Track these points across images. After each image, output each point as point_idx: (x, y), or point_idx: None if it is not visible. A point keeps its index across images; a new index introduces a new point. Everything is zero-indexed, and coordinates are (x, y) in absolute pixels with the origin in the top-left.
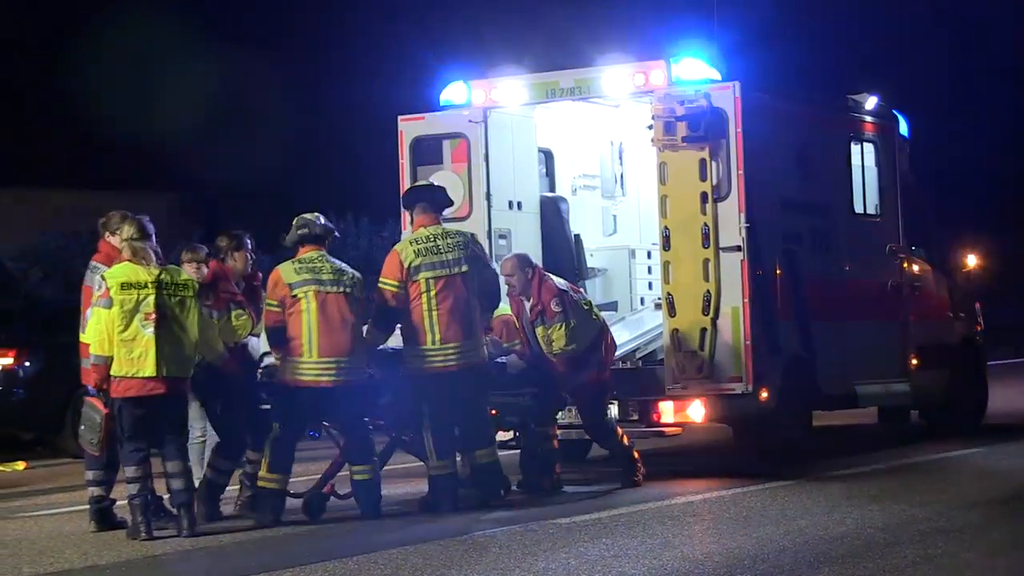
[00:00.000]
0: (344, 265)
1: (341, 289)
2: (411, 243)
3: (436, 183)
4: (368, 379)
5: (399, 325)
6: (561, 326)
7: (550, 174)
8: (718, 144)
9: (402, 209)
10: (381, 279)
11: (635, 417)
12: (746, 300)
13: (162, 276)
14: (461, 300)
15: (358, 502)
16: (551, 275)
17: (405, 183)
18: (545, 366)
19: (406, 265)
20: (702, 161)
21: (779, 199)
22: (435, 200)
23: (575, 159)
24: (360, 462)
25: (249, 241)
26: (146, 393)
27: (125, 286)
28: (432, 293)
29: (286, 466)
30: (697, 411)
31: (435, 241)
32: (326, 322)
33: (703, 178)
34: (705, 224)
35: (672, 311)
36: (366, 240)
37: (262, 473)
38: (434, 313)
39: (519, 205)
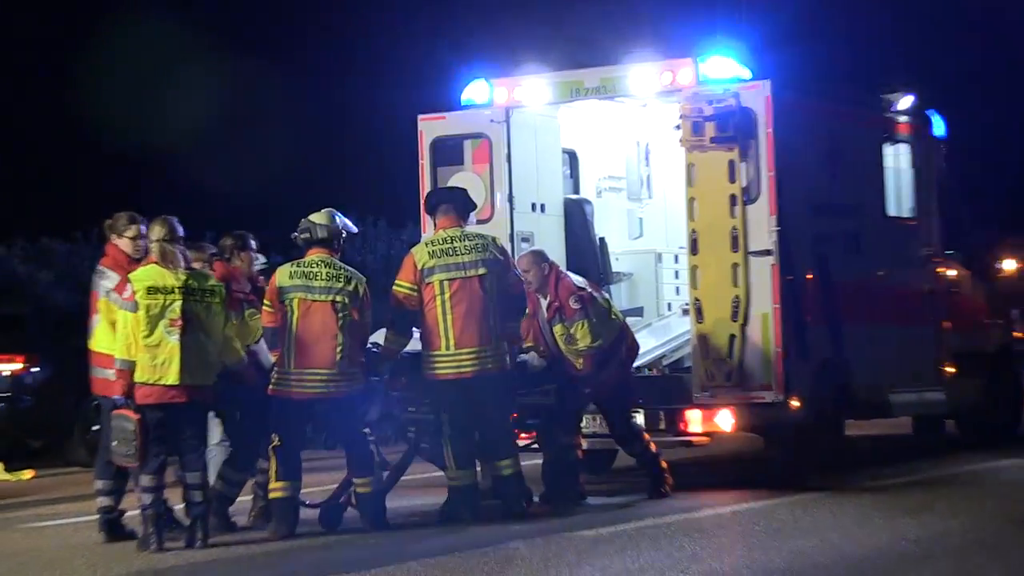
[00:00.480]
0: (350, 271)
1: (330, 297)
2: (427, 245)
3: (457, 185)
4: (365, 389)
5: (417, 329)
6: (584, 323)
7: (574, 176)
8: (748, 145)
9: (423, 212)
10: (396, 281)
11: (662, 426)
12: (776, 305)
13: (189, 282)
14: (477, 304)
15: (362, 516)
16: (569, 272)
17: (425, 185)
18: (563, 366)
19: (419, 266)
20: (731, 162)
21: (810, 201)
22: (458, 203)
23: (600, 160)
24: (361, 474)
25: (253, 242)
26: (167, 400)
27: (152, 290)
28: (446, 296)
29: (293, 473)
30: (726, 420)
31: (452, 243)
32: (306, 332)
33: (732, 180)
34: (734, 227)
35: (700, 317)
36: (384, 243)
37: (271, 484)
38: (448, 316)
39: (542, 207)
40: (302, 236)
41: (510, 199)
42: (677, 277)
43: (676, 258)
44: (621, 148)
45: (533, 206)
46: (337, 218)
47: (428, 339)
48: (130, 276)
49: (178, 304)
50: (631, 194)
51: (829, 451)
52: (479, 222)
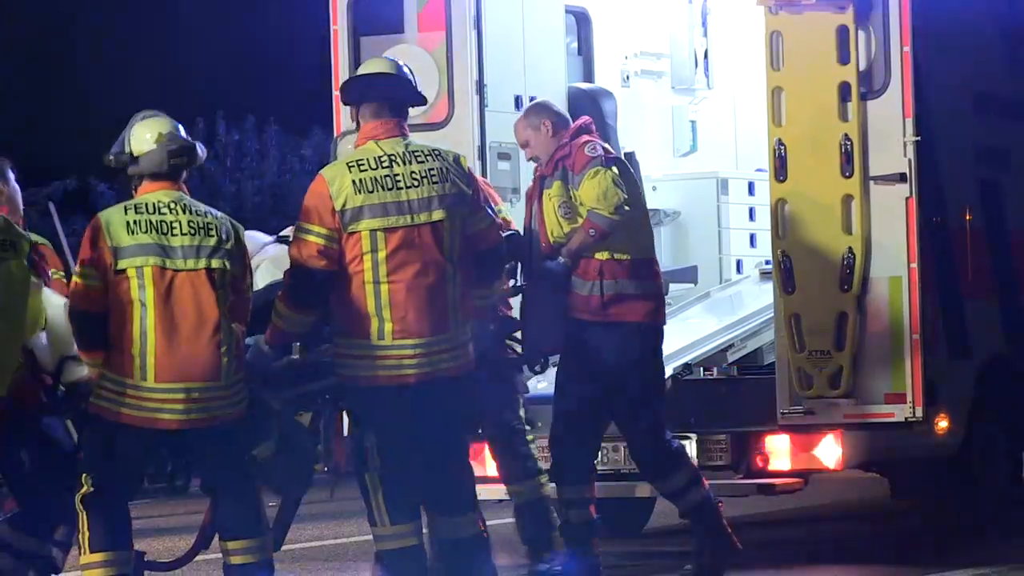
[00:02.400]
0: (214, 214)
1: (203, 262)
2: (350, 168)
3: (395, 67)
4: (249, 410)
5: (329, 305)
6: (603, 172)
7: (585, 52)
8: (869, 2)
9: (337, 110)
10: (299, 226)
11: (724, 461)
12: (914, 266)
13: None
14: (431, 268)
15: None
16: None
17: (340, 68)
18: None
19: (338, 205)
20: (842, 31)
21: (972, 97)
22: (397, 97)
23: (627, 26)
24: (238, 535)
25: (11, 171)
26: None
27: None
28: (382, 255)
29: (114, 540)
30: (830, 451)
31: (390, 166)
32: (170, 322)
33: (844, 60)
34: (846, 137)
35: (789, 284)
36: (275, 162)
37: (83, 557)
38: (383, 287)
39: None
40: (121, 160)
41: (480, 90)
42: (752, 218)
43: (751, 187)
44: (661, 6)
45: (518, 101)
46: (181, 129)
47: (350, 321)
48: None
49: None
50: (677, 82)
51: (1000, 499)
52: (429, 127)
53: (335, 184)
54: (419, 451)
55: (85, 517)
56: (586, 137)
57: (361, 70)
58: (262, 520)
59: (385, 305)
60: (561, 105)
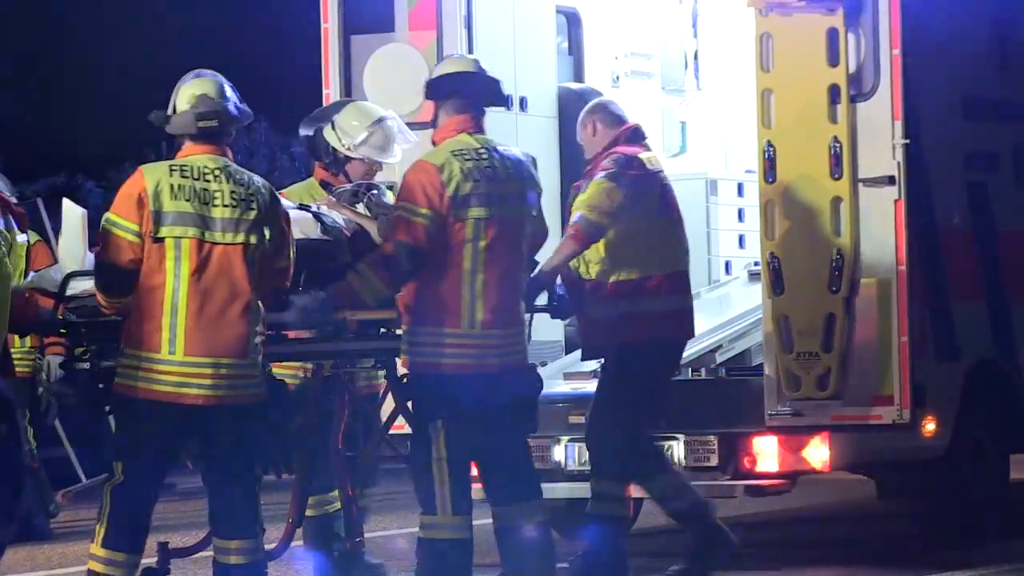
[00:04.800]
0: (256, 183)
1: (240, 237)
2: (455, 156)
3: (388, 60)
4: (273, 393)
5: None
6: (603, 184)
7: (576, 52)
8: (859, 5)
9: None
10: (403, 203)
11: (714, 462)
12: (903, 268)
13: None
14: (516, 261)
15: None
16: (650, 150)
17: (329, 62)
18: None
19: (450, 191)
20: (832, 33)
21: (961, 100)
22: (476, 95)
23: (618, 27)
24: (234, 534)
25: None
26: None
27: None
28: (482, 244)
29: (129, 542)
30: (818, 453)
31: (489, 158)
32: (203, 296)
33: (833, 62)
34: (835, 139)
35: (778, 286)
36: (264, 160)
37: (93, 547)
38: (479, 277)
39: (523, 103)
40: (159, 119)
41: None
42: (741, 220)
43: (739, 188)
44: (652, 7)
45: (508, 101)
46: (228, 89)
47: (437, 308)
48: None
49: None
50: (667, 82)
51: (985, 503)
52: (420, 125)
53: (446, 170)
54: (489, 441)
55: (108, 508)
56: (620, 149)
57: (451, 67)
58: (258, 520)
59: (479, 295)
60: (550, 105)
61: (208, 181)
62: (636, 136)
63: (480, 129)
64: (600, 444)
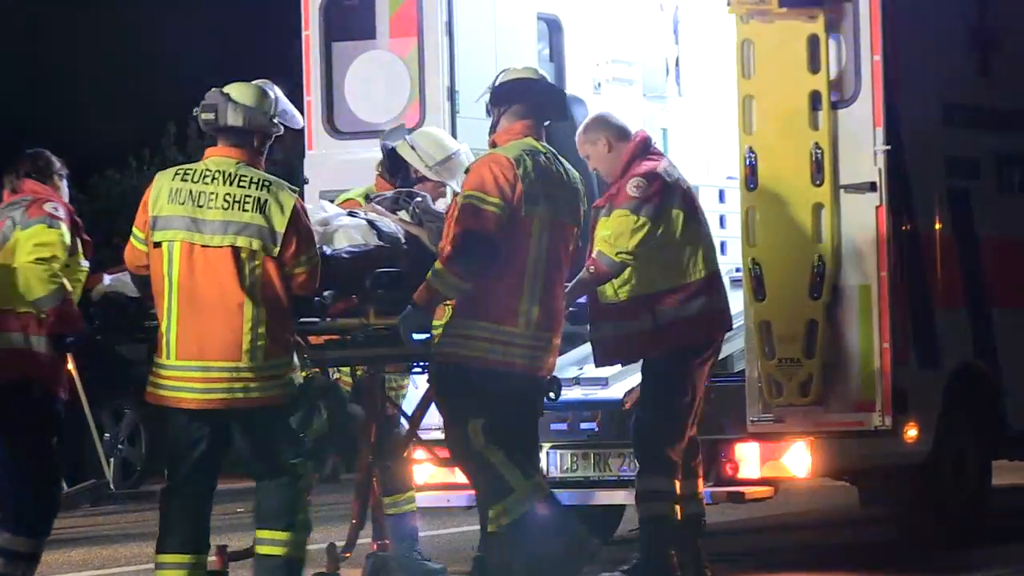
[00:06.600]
0: (264, 184)
1: (228, 239)
2: (526, 155)
3: (369, 68)
4: (291, 395)
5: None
6: (625, 214)
7: (557, 59)
8: (839, 11)
9: (310, 119)
10: (475, 193)
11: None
12: (884, 274)
13: None
14: (564, 268)
15: None
16: (664, 158)
17: (311, 69)
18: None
19: (523, 185)
20: (813, 39)
21: (942, 105)
22: (539, 104)
23: (599, 33)
24: (271, 525)
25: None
26: None
27: None
28: (544, 246)
29: (178, 542)
30: (800, 459)
31: (553, 164)
32: (192, 299)
33: (814, 69)
34: (817, 146)
35: (760, 292)
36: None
37: (158, 560)
38: (539, 280)
39: None
40: (205, 116)
41: (451, 96)
42: (723, 226)
43: (721, 195)
44: (633, 14)
45: (489, 108)
46: (272, 94)
47: (494, 303)
48: None
49: None
50: (649, 89)
51: (967, 509)
52: None
53: (521, 165)
54: (520, 437)
55: (160, 511)
56: (642, 169)
57: (515, 75)
58: (297, 514)
59: (539, 296)
60: None
61: (206, 183)
62: (647, 146)
63: (541, 136)
64: (649, 443)
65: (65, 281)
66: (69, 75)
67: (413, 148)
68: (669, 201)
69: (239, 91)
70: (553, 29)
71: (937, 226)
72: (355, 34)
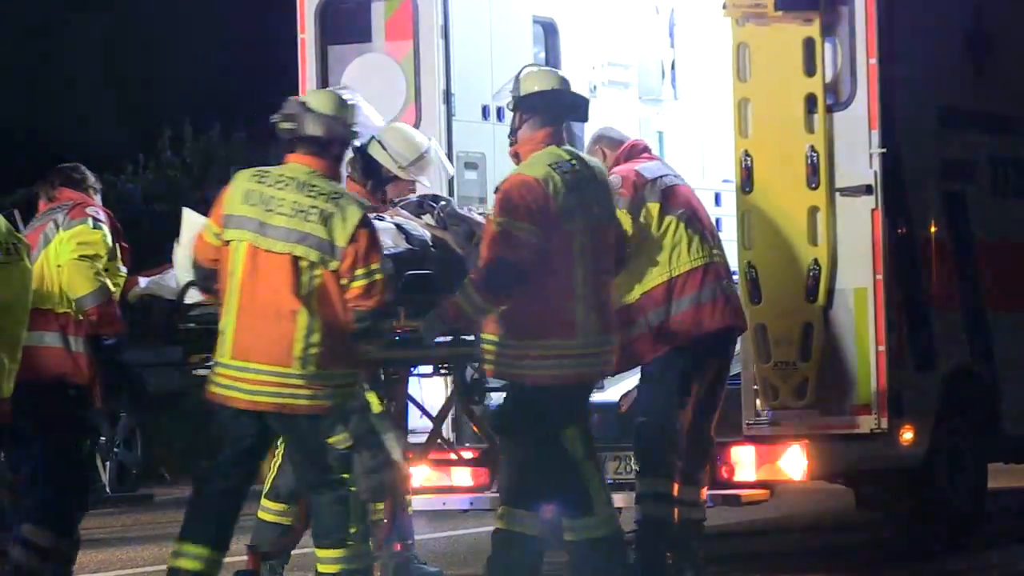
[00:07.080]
0: (332, 197)
1: (288, 247)
2: (553, 168)
3: (364, 71)
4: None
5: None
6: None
7: (552, 62)
8: (835, 13)
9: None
10: (505, 219)
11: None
12: (879, 277)
13: None
14: (609, 268)
15: None
16: (652, 159)
17: (307, 72)
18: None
19: (556, 204)
20: (808, 43)
21: (938, 109)
22: (561, 110)
23: (594, 36)
24: (326, 542)
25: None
26: None
27: None
28: (588, 258)
29: (191, 531)
30: (796, 462)
31: (582, 167)
32: (251, 301)
33: (810, 72)
34: (812, 149)
35: (755, 295)
36: (240, 168)
37: (176, 548)
38: (587, 292)
39: (500, 113)
40: (285, 125)
41: (447, 99)
42: (719, 229)
43: (717, 198)
44: (629, 17)
45: (485, 111)
46: (351, 102)
47: (545, 319)
48: None
49: None
50: (644, 92)
51: (962, 512)
52: None
53: (550, 184)
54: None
55: (190, 503)
56: (615, 170)
57: (542, 82)
58: (346, 527)
59: (590, 308)
60: None
61: (279, 188)
62: (633, 152)
63: (562, 141)
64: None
65: (107, 281)
66: (66, 80)
67: (384, 147)
68: (639, 196)
69: (318, 100)
70: (549, 32)
71: (933, 229)
72: (351, 37)
